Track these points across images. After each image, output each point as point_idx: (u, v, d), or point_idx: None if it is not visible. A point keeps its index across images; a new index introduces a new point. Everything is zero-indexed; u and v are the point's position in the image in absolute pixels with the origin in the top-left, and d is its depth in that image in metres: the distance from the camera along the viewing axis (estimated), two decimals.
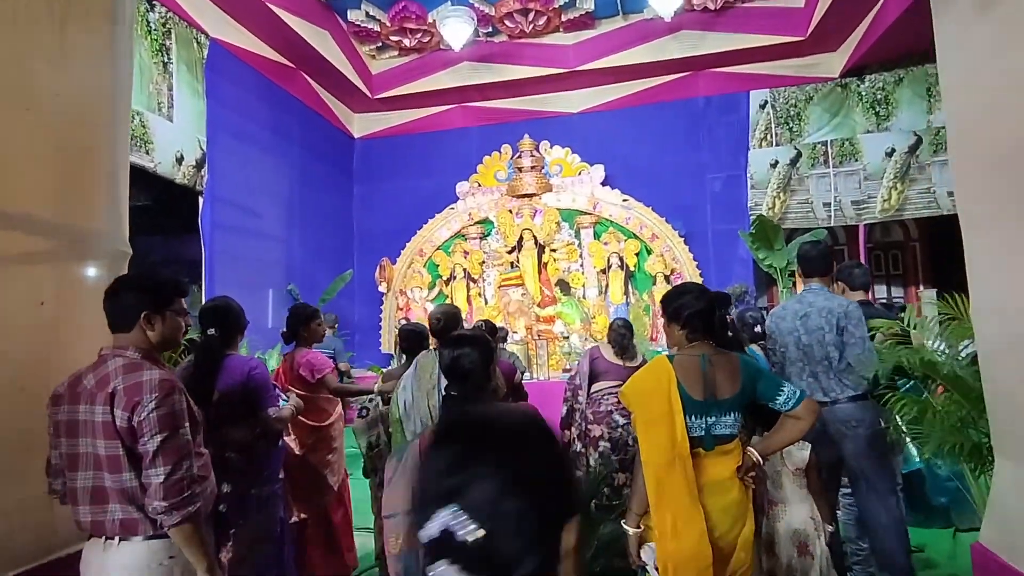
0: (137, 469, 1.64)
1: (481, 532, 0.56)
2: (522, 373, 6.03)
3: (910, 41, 7.92)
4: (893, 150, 8.49)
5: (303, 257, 8.81)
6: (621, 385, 3.50)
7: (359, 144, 10.64)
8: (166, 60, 6.22)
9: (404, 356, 4.79)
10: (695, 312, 2.01)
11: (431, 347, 2.75)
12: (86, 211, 2.29)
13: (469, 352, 1.91)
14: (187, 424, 1.70)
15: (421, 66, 9.59)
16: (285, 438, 2.87)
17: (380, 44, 9.29)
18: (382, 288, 9.38)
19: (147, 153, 5.89)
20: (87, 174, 2.35)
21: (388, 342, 9.45)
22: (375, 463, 2.92)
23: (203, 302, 6.65)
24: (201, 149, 6.71)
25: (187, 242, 6.62)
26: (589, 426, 3.37)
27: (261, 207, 7.91)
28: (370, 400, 3.08)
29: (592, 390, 3.56)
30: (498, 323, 8.98)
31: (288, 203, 8.59)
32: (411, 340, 3.35)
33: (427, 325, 4.47)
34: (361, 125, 10.60)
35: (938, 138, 8.30)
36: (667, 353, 2.26)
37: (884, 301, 10.98)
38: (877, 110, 8.63)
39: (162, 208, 6.59)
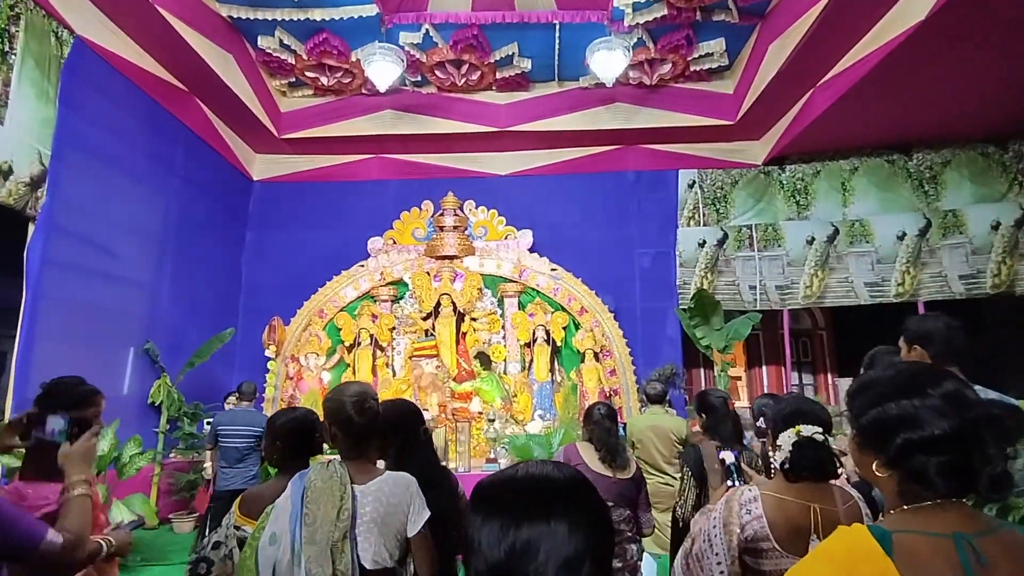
0: None
1: None
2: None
3: (829, 137, 8.25)
4: (813, 238, 8.62)
5: (173, 310, 7.25)
6: (611, 509, 2.56)
7: (258, 187, 9.38)
8: (5, 48, 4.88)
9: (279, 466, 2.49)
10: (941, 442, 0.91)
11: (328, 456, 1.68)
12: None
13: (572, 537, 0.71)
14: None
15: (338, 109, 8.71)
16: None
17: (293, 80, 8.34)
18: (269, 352, 7.92)
19: None
20: None
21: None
22: None
23: (13, 363, 5.02)
24: (42, 164, 5.27)
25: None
26: None
27: (120, 246, 6.40)
28: (212, 545, 1.71)
29: None
30: (406, 398, 7.80)
31: (159, 244, 7.11)
32: (295, 439, 2.13)
33: (322, 412, 3.10)
34: (263, 167, 9.40)
35: (853, 230, 8.54)
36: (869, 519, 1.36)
37: (796, 385, 11.04)
38: (797, 199, 8.82)
39: None
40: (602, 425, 2.62)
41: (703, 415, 2.80)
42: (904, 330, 2.11)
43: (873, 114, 7.50)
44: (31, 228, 5.26)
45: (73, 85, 5.63)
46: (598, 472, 2.47)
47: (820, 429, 1.68)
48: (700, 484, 2.57)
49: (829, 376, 10.84)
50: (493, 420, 6.65)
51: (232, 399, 5.61)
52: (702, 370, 10.21)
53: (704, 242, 8.83)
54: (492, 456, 6.15)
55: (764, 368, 11.01)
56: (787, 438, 1.68)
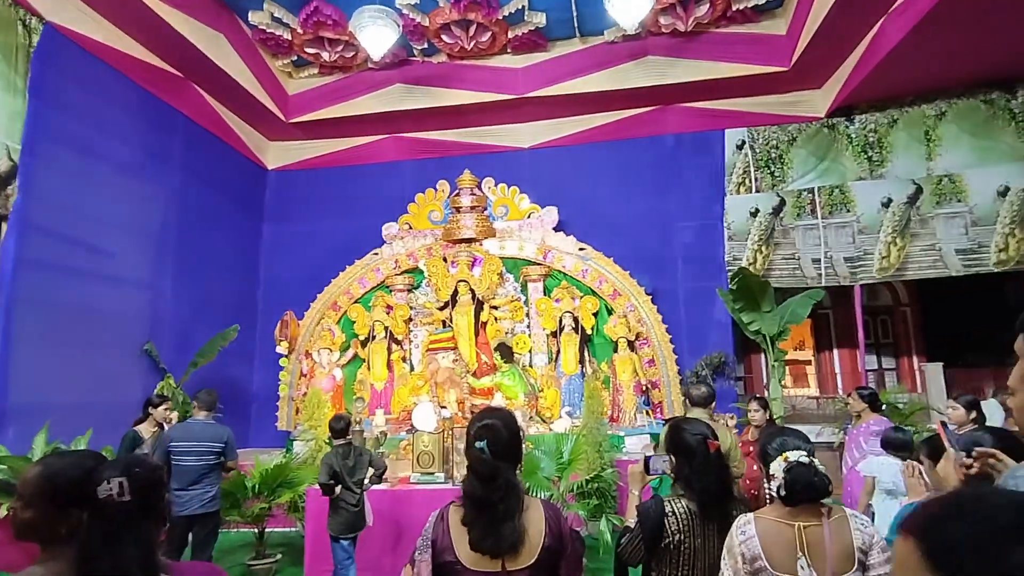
0: None
1: None
2: (378, 475, 4.15)
3: (905, 78, 6.90)
4: (890, 200, 7.31)
5: (178, 309, 6.96)
6: None
7: (273, 176, 9.02)
8: None
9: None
10: None
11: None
12: None
13: None
14: None
15: (345, 87, 8.15)
16: None
17: (295, 58, 7.84)
18: (281, 348, 7.56)
19: None
20: None
21: (287, 416, 7.55)
22: None
23: None
24: (11, 160, 4.97)
25: None
26: None
27: (113, 243, 6.11)
28: None
29: None
30: (423, 394, 7.23)
31: (159, 241, 6.81)
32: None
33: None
34: (277, 155, 9.02)
35: (940, 188, 7.16)
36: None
37: (874, 370, 9.68)
38: (870, 154, 7.50)
39: None
40: (483, 468, 1.47)
41: (673, 457, 1.99)
42: None
43: (963, 43, 6.13)
44: (3, 227, 4.99)
45: (45, 75, 5.30)
46: (474, 569, 1.43)
47: (805, 452, 1.76)
48: (651, 547, 1.86)
49: (915, 360, 9.41)
50: None
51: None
52: (762, 357, 9.08)
53: (757, 211, 7.69)
54: None
55: (836, 352, 9.72)
56: (778, 466, 1.75)
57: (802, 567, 1.60)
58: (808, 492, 1.66)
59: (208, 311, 7.42)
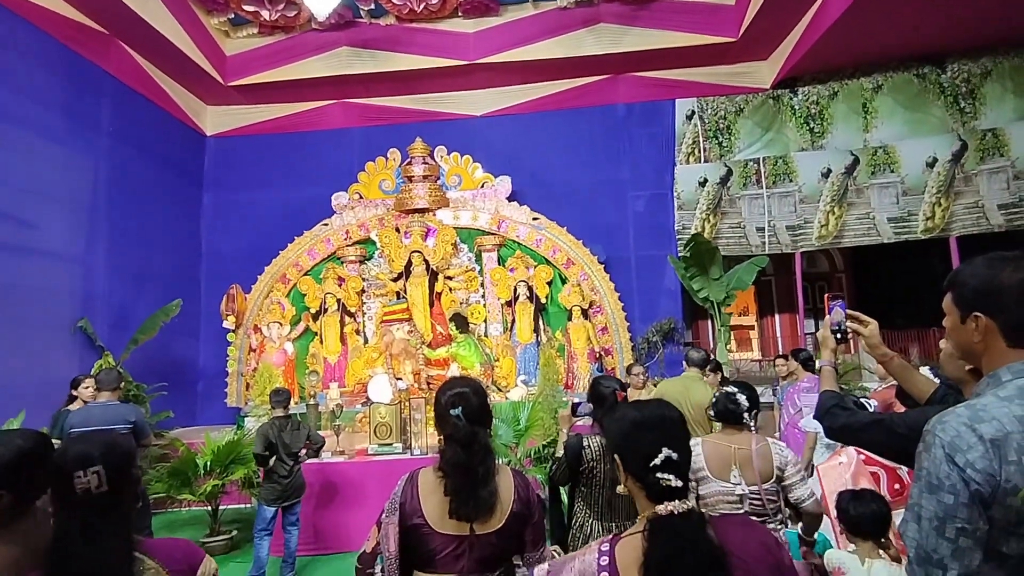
0: None
1: None
2: (315, 451, 4.18)
3: (845, 51, 7.13)
4: (829, 170, 7.61)
5: (113, 284, 6.60)
6: None
7: (212, 143, 8.57)
8: None
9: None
10: None
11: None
12: None
13: None
14: None
15: (288, 48, 7.78)
16: None
17: (233, 16, 7.40)
18: (228, 323, 7.30)
19: None
20: None
21: (236, 392, 7.35)
22: None
23: None
24: None
25: None
26: None
27: (36, 215, 5.70)
28: None
29: None
30: (378, 367, 7.18)
31: (89, 212, 6.39)
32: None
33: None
34: (216, 120, 8.56)
35: (875, 159, 7.50)
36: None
37: (812, 334, 10.20)
38: (811, 126, 7.75)
39: None
40: (459, 431, 1.47)
41: (592, 404, 2.49)
42: (953, 285, 1.13)
43: (899, 18, 6.37)
44: None
45: None
46: (442, 532, 1.45)
47: (735, 389, 2.37)
48: (573, 471, 2.35)
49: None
50: None
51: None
52: (709, 323, 9.41)
53: (705, 180, 7.87)
54: None
55: (777, 316, 10.18)
56: (716, 395, 2.42)
57: (734, 475, 2.18)
58: (726, 414, 2.31)
59: (147, 285, 7.08)
